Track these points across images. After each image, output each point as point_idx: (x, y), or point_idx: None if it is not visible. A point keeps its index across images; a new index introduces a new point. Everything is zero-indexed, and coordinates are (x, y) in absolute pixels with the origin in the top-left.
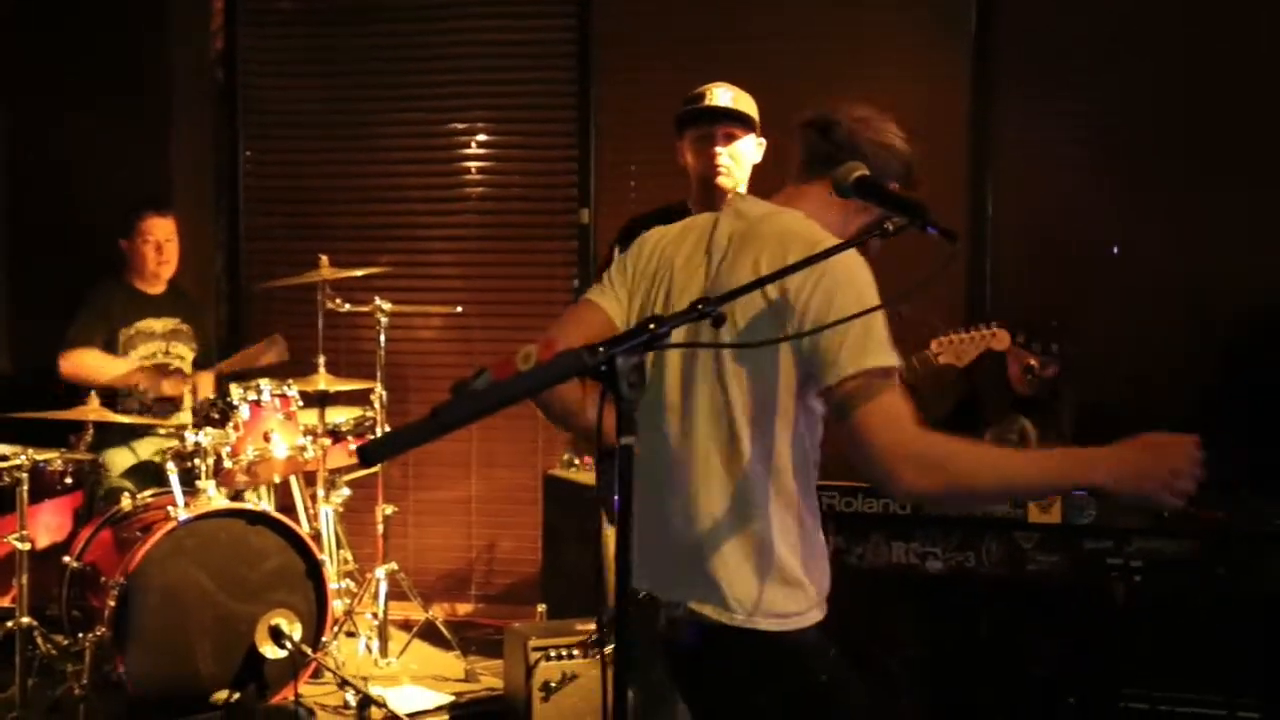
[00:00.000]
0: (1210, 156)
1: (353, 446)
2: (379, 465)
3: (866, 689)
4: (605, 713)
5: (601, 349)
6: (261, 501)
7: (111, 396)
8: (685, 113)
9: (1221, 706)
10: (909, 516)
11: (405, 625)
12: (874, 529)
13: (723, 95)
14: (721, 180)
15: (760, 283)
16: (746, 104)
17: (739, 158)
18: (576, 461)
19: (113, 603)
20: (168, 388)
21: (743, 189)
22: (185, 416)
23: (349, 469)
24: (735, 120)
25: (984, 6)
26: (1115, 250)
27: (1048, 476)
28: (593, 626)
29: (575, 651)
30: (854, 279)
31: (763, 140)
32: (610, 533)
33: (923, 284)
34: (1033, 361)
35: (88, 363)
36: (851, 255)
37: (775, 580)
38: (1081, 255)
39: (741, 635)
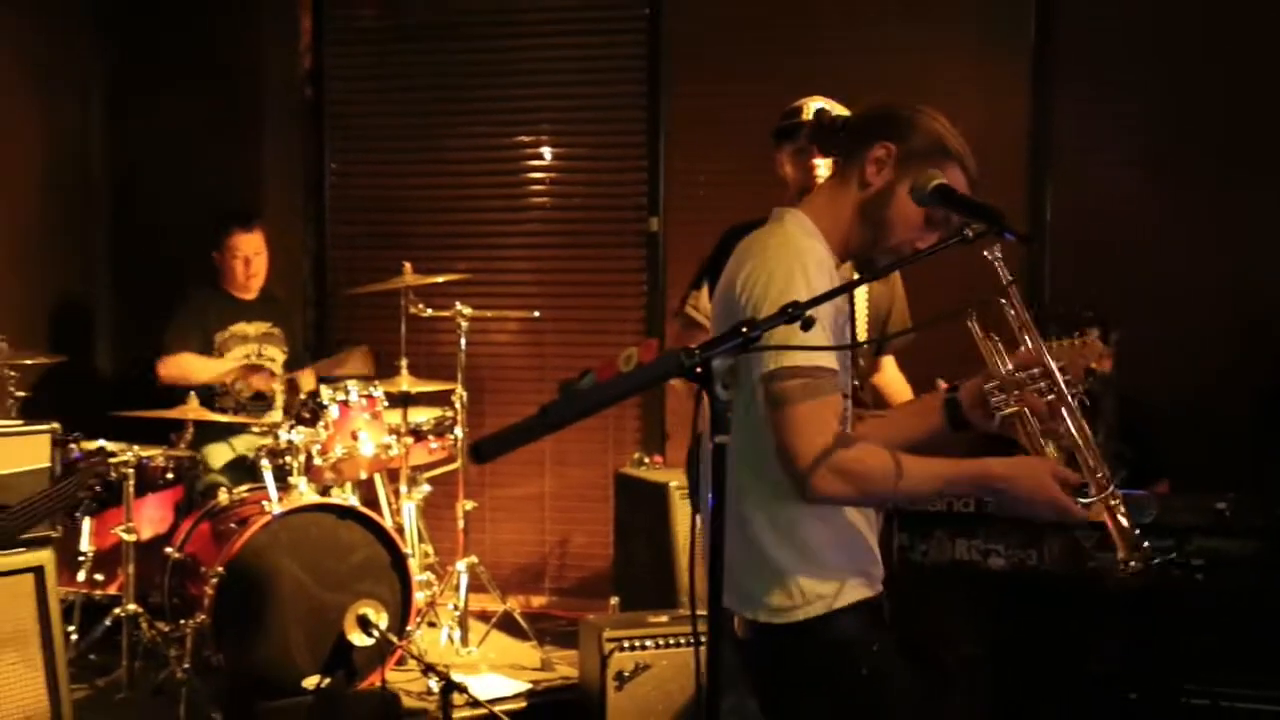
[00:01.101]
0: (1264, 161)
1: (434, 446)
2: (458, 461)
3: (917, 682)
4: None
5: (698, 352)
6: (349, 497)
7: (209, 396)
8: (783, 127)
9: None
10: (972, 514)
11: (484, 616)
12: (937, 526)
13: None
14: None
15: (847, 287)
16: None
17: None
18: (646, 460)
19: (211, 591)
20: (258, 383)
21: None
22: (277, 415)
23: (430, 466)
24: None
25: (1042, 18)
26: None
27: (950, 485)
28: (665, 619)
29: (649, 643)
30: (776, 267)
31: None
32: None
33: (998, 292)
34: (1094, 365)
35: (184, 365)
36: (784, 244)
37: (770, 575)
38: (1138, 257)
39: (768, 632)
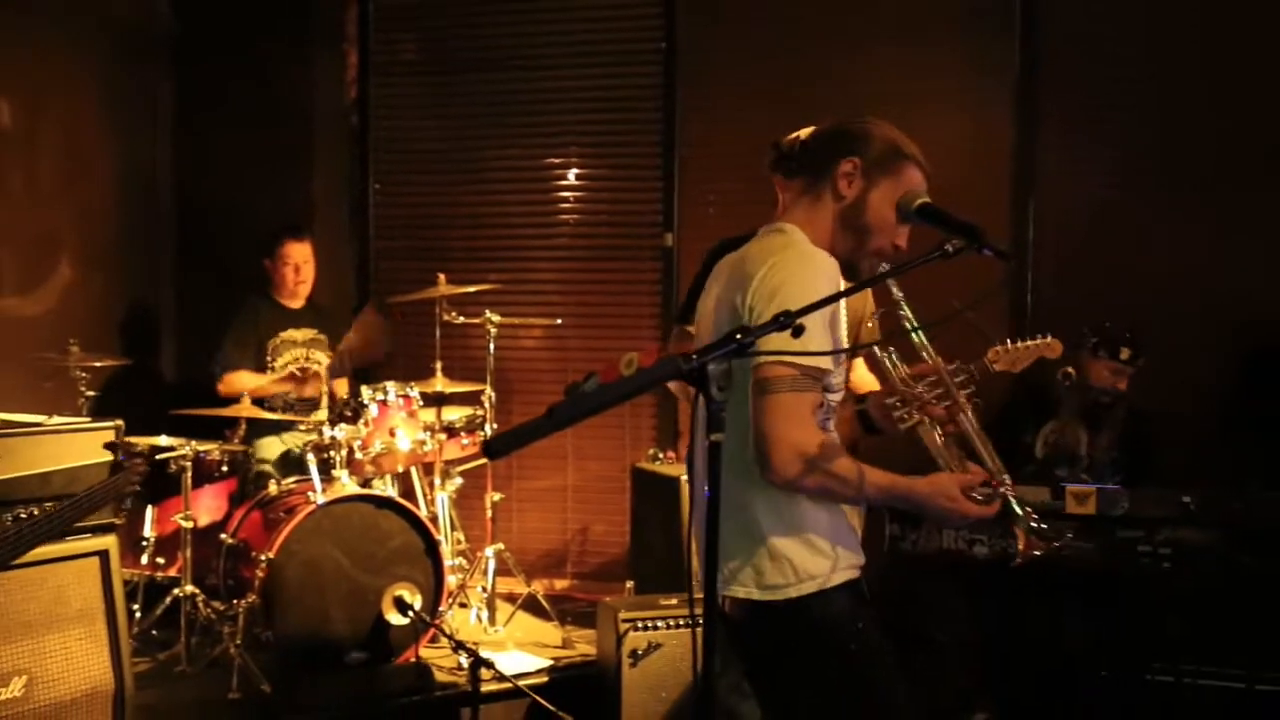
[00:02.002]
0: (1242, 178)
1: (465, 442)
2: (493, 458)
3: (899, 660)
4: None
5: (695, 356)
6: (387, 488)
7: (261, 396)
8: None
9: (1242, 680)
10: None
11: (510, 598)
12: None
13: None
14: None
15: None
16: None
17: None
18: (660, 456)
19: (261, 574)
20: (309, 390)
21: None
22: (322, 414)
23: (462, 461)
24: None
25: (1026, 45)
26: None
27: (890, 497)
28: (675, 602)
29: (660, 623)
30: (801, 272)
31: None
32: None
33: (969, 306)
34: (1121, 386)
35: (240, 384)
36: (810, 254)
37: (766, 555)
38: (1118, 272)
39: (756, 609)
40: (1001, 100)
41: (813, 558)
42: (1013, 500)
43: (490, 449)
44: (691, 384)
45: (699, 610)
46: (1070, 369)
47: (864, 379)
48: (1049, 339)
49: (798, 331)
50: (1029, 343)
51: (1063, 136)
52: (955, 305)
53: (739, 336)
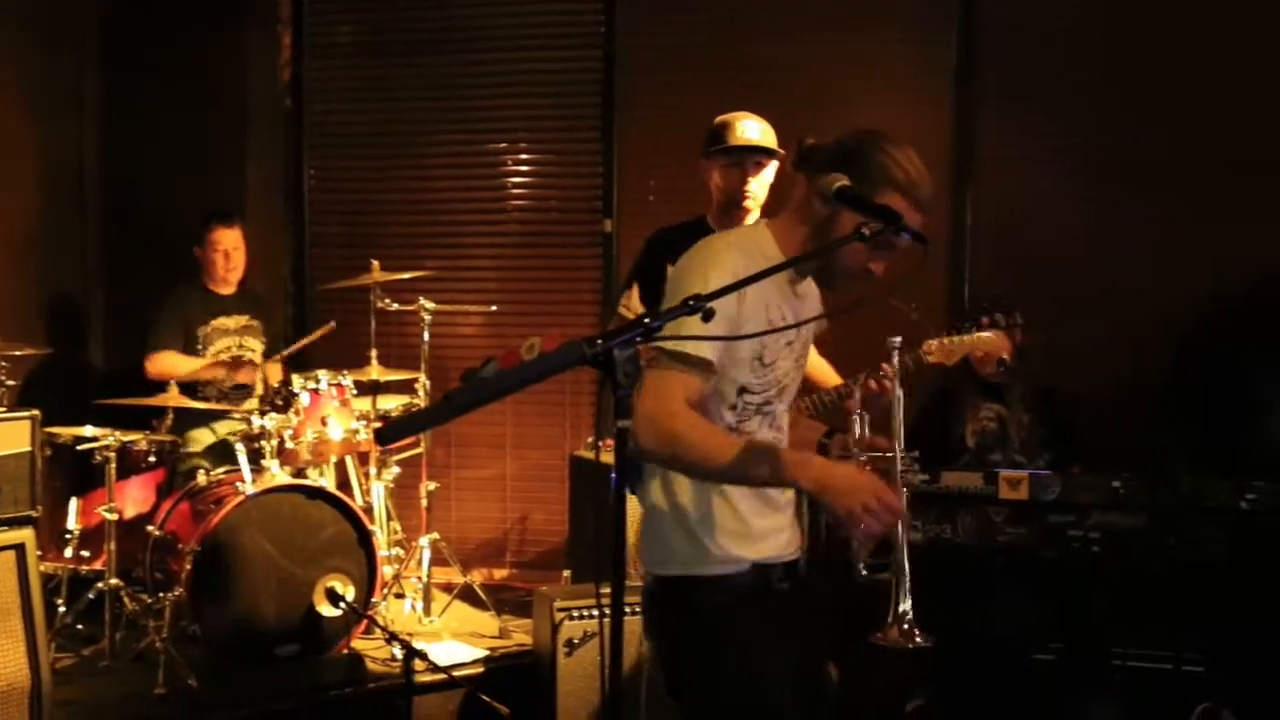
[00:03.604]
0: (1175, 170)
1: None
2: (422, 445)
3: (764, 664)
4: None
5: (600, 341)
6: (321, 478)
7: (191, 384)
8: (716, 141)
9: (1169, 660)
10: None
11: (446, 588)
12: None
13: (752, 129)
14: (747, 204)
15: (742, 284)
16: (770, 135)
17: (764, 185)
18: (600, 444)
19: (189, 566)
20: (241, 377)
21: (759, 211)
22: (253, 402)
23: (398, 450)
24: (764, 152)
25: (965, 33)
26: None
27: (763, 474)
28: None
29: (596, 612)
30: (693, 260)
31: (777, 162)
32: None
33: (882, 295)
34: (1004, 354)
35: (169, 363)
36: (724, 245)
37: (651, 531)
38: (1055, 259)
39: (650, 582)
40: (940, 89)
41: (684, 542)
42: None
43: (382, 435)
44: (597, 370)
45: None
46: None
47: (814, 366)
48: (987, 334)
49: (708, 315)
50: (965, 337)
51: (1001, 125)
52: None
53: (646, 321)
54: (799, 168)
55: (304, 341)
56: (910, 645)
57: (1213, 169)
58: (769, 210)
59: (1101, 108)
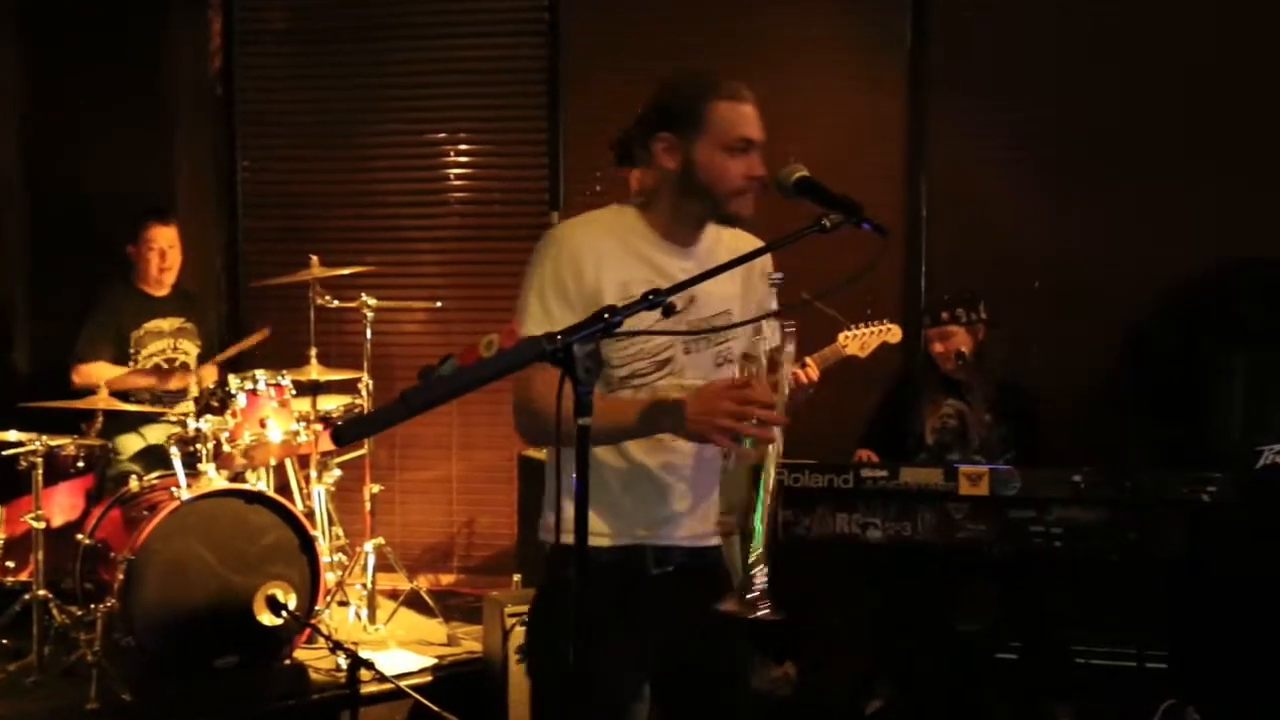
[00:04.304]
0: (1133, 157)
1: (325, 429)
2: (366, 447)
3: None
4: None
5: (559, 336)
6: (260, 482)
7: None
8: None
9: (1133, 658)
10: (852, 490)
11: (392, 595)
12: (819, 502)
13: None
14: None
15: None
16: None
17: None
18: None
19: (122, 576)
20: (174, 384)
21: None
22: (188, 405)
23: (339, 452)
24: None
25: (918, 19)
26: (1036, 285)
27: (629, 429)
28: None
29: None
30: (531, 260)
31: None
32: None
33: (850, 280)
34: (964, 349)
35: (97, 375)
36: (544, 239)
37: (552, 498)
38: (1012, 249)
39: None
40: (893, 74)
41: (550, 510)
42: (751, 554)
43: (338, 435)
44: (556, 366)
45: None
46: (962, 349)
47: None
48: (888, 324)
49: (668, 311)
50: (873, 327)
51: (955, 112)
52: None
53: (606, 316)
54: (624, 161)
55: (237, 348)
56: (751, 616)
57: (1167, 157)
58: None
59: (1059, 92)
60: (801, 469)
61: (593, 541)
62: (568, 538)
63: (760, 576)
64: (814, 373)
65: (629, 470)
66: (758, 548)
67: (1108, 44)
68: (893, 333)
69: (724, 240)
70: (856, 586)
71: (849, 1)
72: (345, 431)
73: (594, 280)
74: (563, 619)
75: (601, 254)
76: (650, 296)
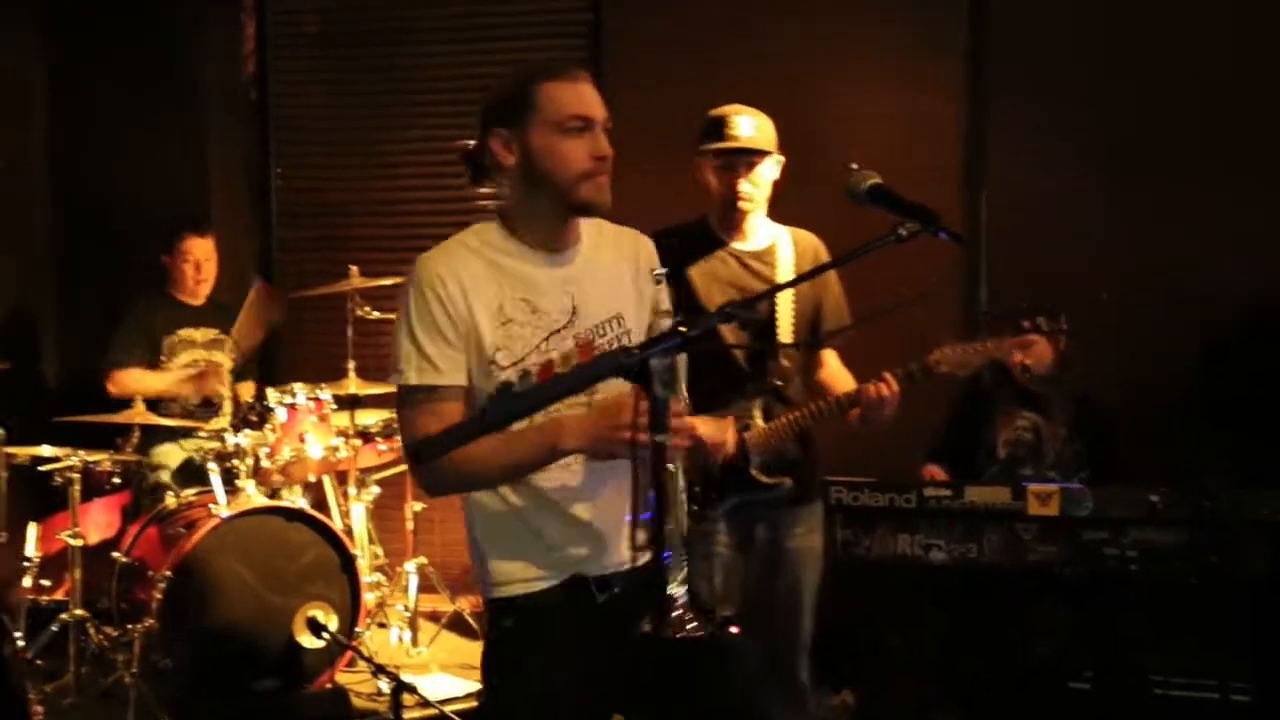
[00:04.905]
0: (1201, 159)
1: (382, 447)
2: (407, 464)
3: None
4: None
5: (637, 351)
6: (297, 499)
7: (156, 400)
8: (707, 138)
9: (1215, 688)
10: (914, 509)
11: (434, 616)
12: (880, 522)
13: (745, 127)
14: (742, 205)
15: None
16: (766, 131)
17: (760, 183)
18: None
19: (160, 595)
20: (209, 387)
21: (763, 208)
22: (224, 420)
23: (379, 468)
24: (756, 152)
25: (975, 17)
26: (1104, 296)
27: (532, 454)
28: None
29: None
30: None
31: (780, 157)
32: None
33: (902, 303)
34: (1026, 360)
35: (131, 382)
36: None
37: (476, 551)
38: (1076, 255)
39: None
40: (950, 78)
41: (479, 564)
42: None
43: (419, 453)
44: (633, 381)
45: None
46: (1025, 361)
47: (835, 374)
48: (992, 342)
49: (745, 323)
50: (978, 345)
51: (1016, 116)
52: (902, 293)
53: (683, 329)
54: (477, 177)
55: (243, 318)
56: (676, 635)
57: (1246, 163)
58: (780, 208)
59: (1125, 92)
60: (861, 487)
61: (535, 587)
62: (497, 590)
63: (679, 591)
64: (891, 386)
65: (533, 504)
66: (678, 560)
67: (1183, 39)
68: (1001, 350)
69: (607, 240)
70: (919, 610)
71: (904, 4)
72: (427, 447)
73: (464, 310)
74: (519, 669)
75: (466, 280)
76: (727, 309)
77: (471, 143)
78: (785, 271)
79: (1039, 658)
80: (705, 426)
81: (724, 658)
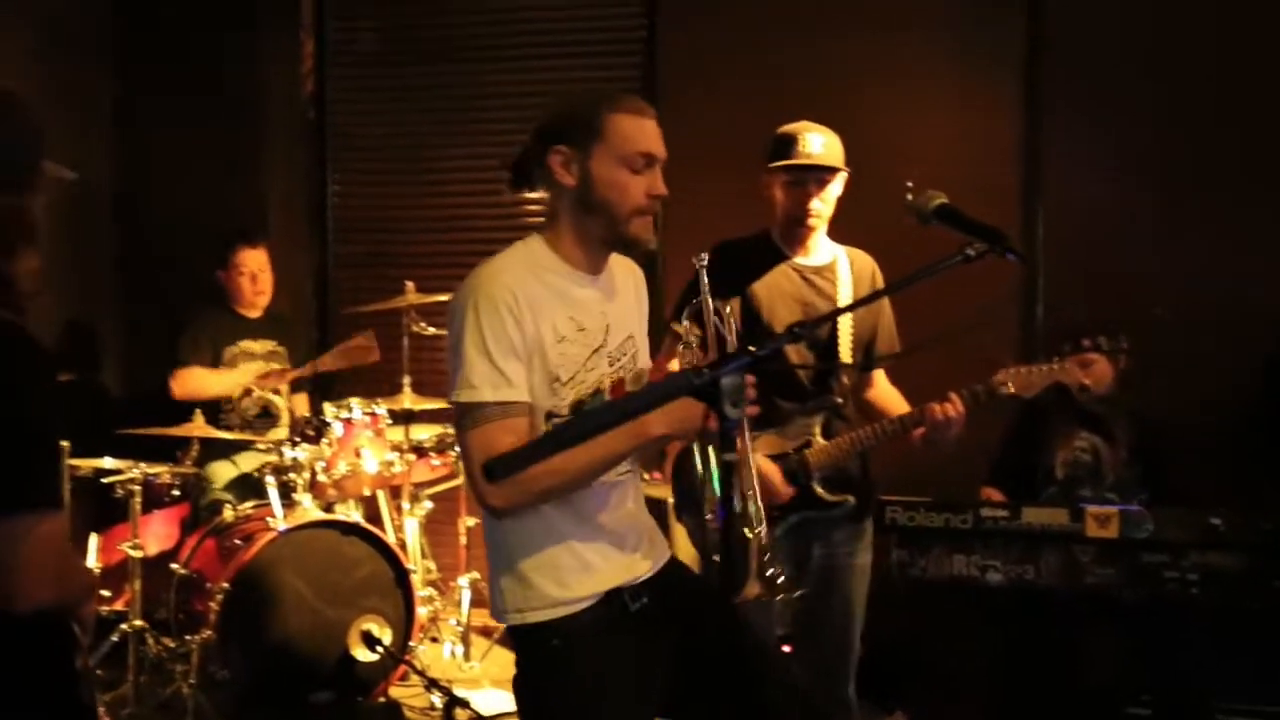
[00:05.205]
0: (1258, 175)
1: (435, 462)
2: (461, 478)
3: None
4: None
5: (707, 370)
6: (352, 513)
7: (214, 414)
8: (778, 154)
9: (1277, 716)
10: (970, 530)
11: (486, 631)
12: (936, 542)
13: (815, 144)
14: (811, 223)
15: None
16: (835, 149)
17: (829, 200)
18: (646, 476)
19: (217, 607)
20: (270, 384)
21: (823, 226)
22: (281, 433)
23: (432, 483)
24: (828, 170)
25: (1033, 33)
26: (1160, 312)
27: (616, 445)
28: None
29: None
30: (455, 310)
31: (846, 171)
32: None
33: (965, 327)
34: (1086, 381)
35: (198, 379)
36: (469, 285)
37: (509, 575)
38: (1134, 272)
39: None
40: (1007, 94)
41: (516, 587)
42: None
43: (492, 470)
44: (703, 400)
45: None
46: (1085, 381)
47: (885, 394)
48: (1060, 364)
49: (812, 342)
50: (1044, 366)
51: (1072, 133)
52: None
53: (752, 349)
54: (520, 184)
55: (341, 355)
56: (773, 599)
57: None
58: (834, 224)
59: (1186, 106)
60: (916, 507)
61: (577, 607)
62: (539, 614)
63: (769, 555)
64: (957, 407)
65: (573, 522)
66: (757, 526)
67: (1241, 52)
68: (1068, 372)
69: (619, 265)
70: (974, 632)
71: (957, 9)
72: (499, 466)
73: (533, 328)
74: (571, 688)
75: (533, 299)
76: (795, 329)
77: (519, 150)
78: (845, 288)
79: (1096, 682)
80: (766, 464)
81: (773, 668)
